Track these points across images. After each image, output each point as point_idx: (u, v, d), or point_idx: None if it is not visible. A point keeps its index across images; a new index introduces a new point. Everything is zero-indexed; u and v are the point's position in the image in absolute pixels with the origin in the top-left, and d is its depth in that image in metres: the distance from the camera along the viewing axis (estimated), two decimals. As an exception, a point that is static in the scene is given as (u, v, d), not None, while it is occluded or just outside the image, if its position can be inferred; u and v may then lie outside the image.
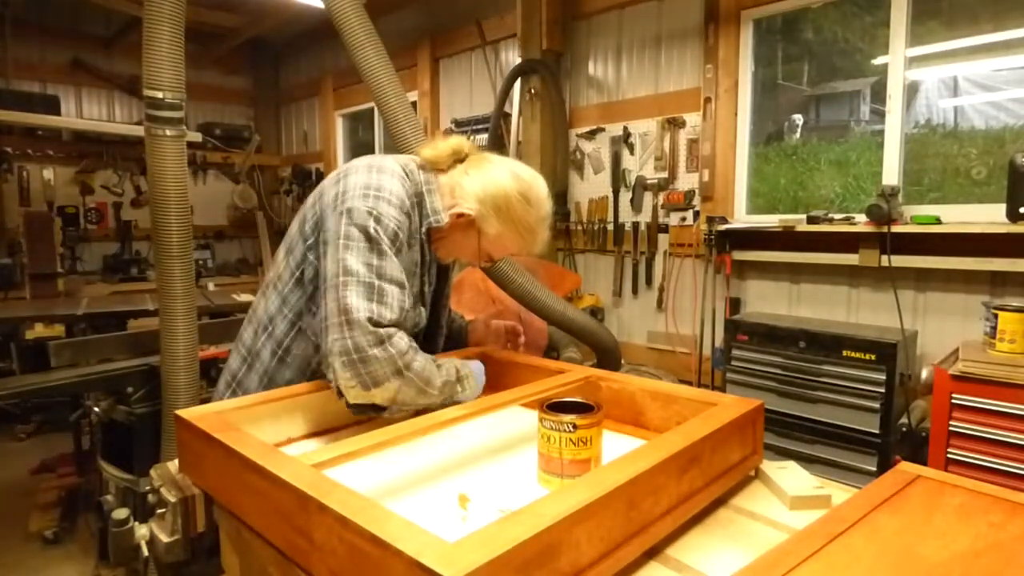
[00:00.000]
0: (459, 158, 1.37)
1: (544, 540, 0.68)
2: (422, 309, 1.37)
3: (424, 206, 1.32)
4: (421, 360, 1.19)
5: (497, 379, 1.45)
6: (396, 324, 1.17)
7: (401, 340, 1.16)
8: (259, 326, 1.39)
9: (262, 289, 1.42)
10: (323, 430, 1.27)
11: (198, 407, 1.15)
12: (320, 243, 1.26)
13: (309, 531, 0.77)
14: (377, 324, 1.14)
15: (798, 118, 3.54)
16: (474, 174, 1.34)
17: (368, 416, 1.21)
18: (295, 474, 0.81)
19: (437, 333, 1.54)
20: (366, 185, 1.24)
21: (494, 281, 2.29)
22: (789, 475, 1.03)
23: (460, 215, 1.31)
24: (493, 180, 1.32)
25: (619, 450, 0.95)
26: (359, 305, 1.14)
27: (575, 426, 0.95)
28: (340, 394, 1.17)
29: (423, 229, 1.32)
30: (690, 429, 0.95)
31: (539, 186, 1.36)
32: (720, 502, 0.98)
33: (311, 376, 1.33)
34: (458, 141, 1.39)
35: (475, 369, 1.34)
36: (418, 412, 1.27)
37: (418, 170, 1.35)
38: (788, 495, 0.96)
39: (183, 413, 1.07)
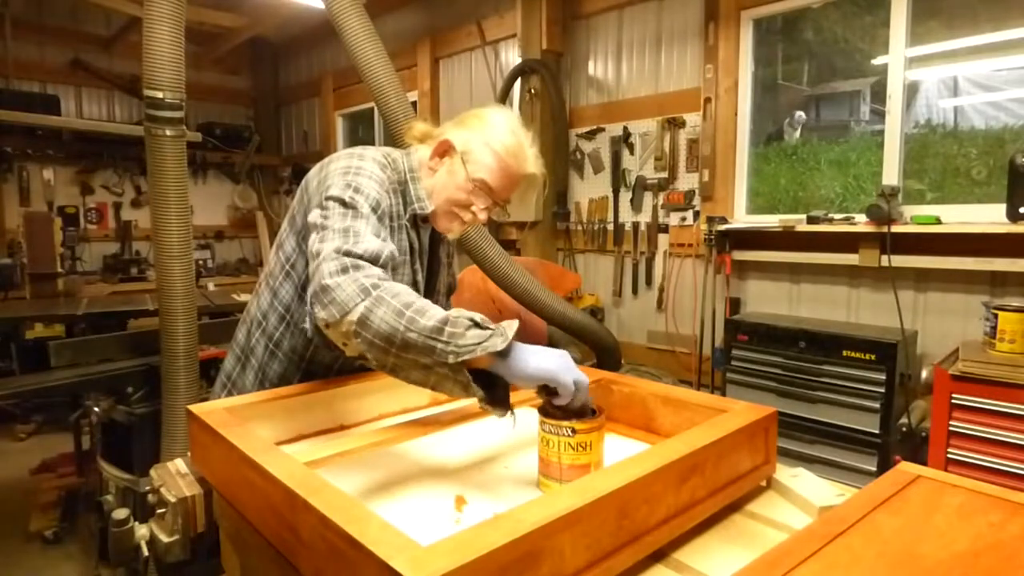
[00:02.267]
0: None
1: (522, 547, 0.67)
2: None
3: (408, 194, 1.33)
4: (403, 286, 1.04)
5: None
6: (373, 260, 1.07)
7: (373, 269, 1.05)
8: (252, 324, 1.40)
9: (255, 289, 1.43)
10: (336, 427, 1.27)
11: (210, 402, 1.16)
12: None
13: (297, 528, 0.78)
14: (346, 254, 1.05)
15: (799, 116, 3.53)
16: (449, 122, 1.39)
17: (369, 366, 1.06)
18: (286, 471, 0.82)
19: None
20: (346, 168, 1.25)
21: (494, 281, 2.29)
22: (806, 484, 1.00)
23: (440, 150, 1.32)
24: (465, 113, 1.36)
25: (626, 455, 0.94)
26: (328, 246, 1.08)
27: (574, 431, 0.94)
28: (329, 340, 1.08)
29: (407, 216, 1.33)
30: (692, 436, 0.93)
31: (510, 110, 1.39)
32: (733, 507, 0.96)
33: (304, 370, 1.34)
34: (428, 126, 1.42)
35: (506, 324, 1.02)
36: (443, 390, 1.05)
37: (403, 159, 1.36)
38: (816, 506, 0.94)
39: (194, 408, 1.08)
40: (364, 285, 1.00)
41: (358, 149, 1.33)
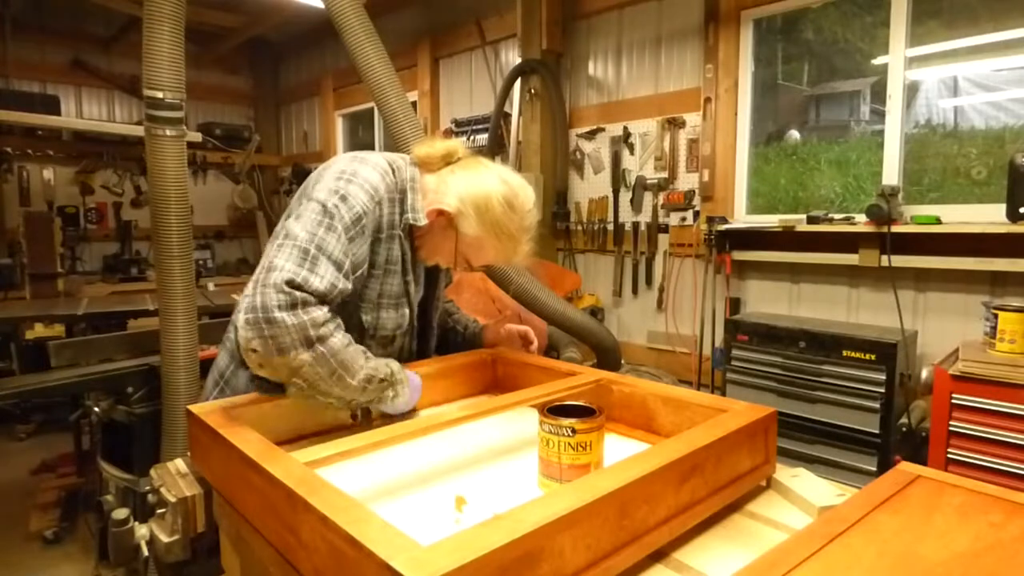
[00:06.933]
0: (450, 160, 1.35)
1: (522, 547, 0.67)
2: (405, 310, 1.36)
3: (406, 203, 1.30)
4: (342, 340, 1.12)
5: (509, 380, 1.45)
6: (321, 298, 1.10)
7: (319, 311, 1.08)
8: None
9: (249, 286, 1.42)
10: (336, 427, 1.27)
11: (210, 403, 1.16)
12: None
13: (297, 528, 0.78)
14: (296, 287, 1.06)
15: (793, 135, 3.53)
16: (461, 174, 1.32)
17: (272, 396, 1.15)
18: (286, 472, 0.82)
19: (429, 334, 1.53)
20: (342, 170, 1.24)
21: (494, 281, 2.29)
22: (806, 484, 1.00)
23: (439, 212, 1.29)
24: (478, 181, 1.29)
25: (626, 455, 0.93)
26: (284, 265, 1.08)
27: (574, 430, 0.94)
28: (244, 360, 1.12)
29: (402, 226, 1.30)
30: (692, 436, 0.93)
31: (526, 195, 1.32)
32: (733, 507, 0.96)
33: None
34: (453, 144, 1.37)
35: (413, 380, 1.26)
36: (370, 412, 1.25)
37: (407, 167, 1.34)
38: (816, 506, 0.94)
39: (194, 408, 1.08)
40: (309, 337, 1.06)
41: (362, 153, 1.31)
